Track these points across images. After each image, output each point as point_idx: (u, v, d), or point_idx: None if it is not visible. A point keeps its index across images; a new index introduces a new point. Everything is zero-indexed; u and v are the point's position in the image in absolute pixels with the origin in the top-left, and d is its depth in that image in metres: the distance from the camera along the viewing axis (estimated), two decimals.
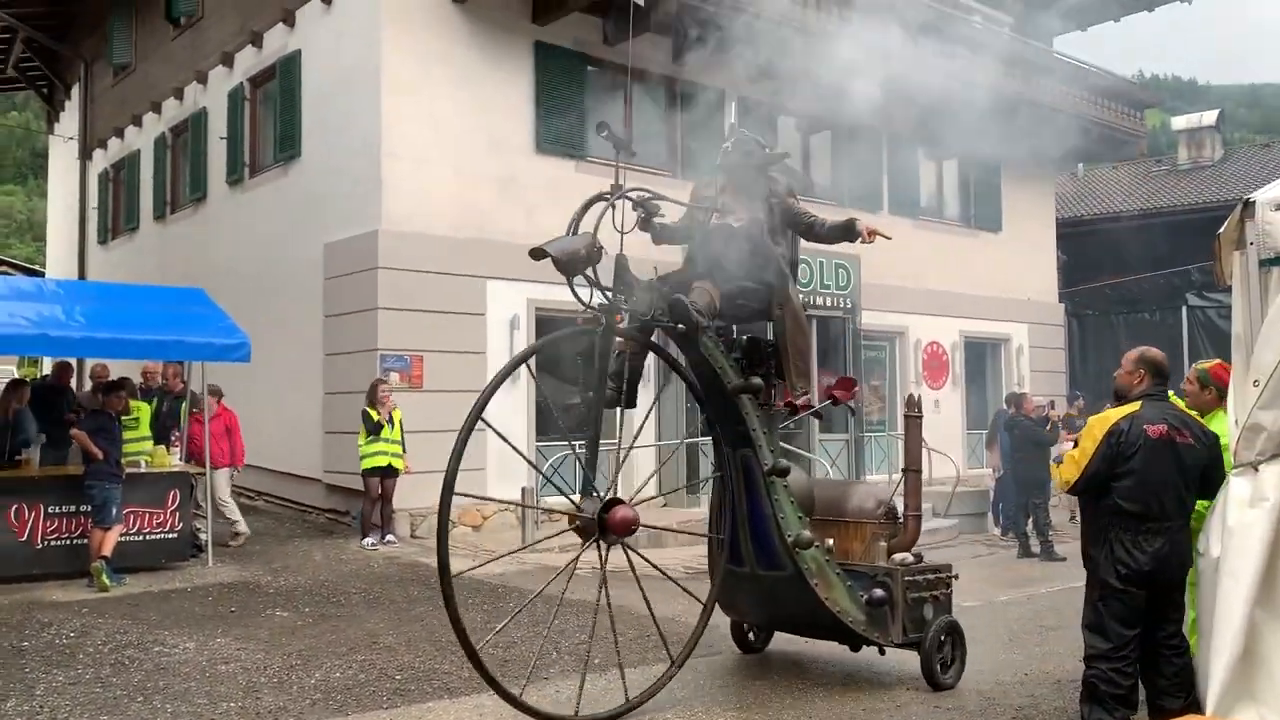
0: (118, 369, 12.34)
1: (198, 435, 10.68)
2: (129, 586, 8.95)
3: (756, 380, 5.55)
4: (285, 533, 12.15)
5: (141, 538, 9.65)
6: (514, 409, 12.82)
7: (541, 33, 13.39)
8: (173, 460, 10.39)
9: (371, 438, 11.19)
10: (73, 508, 9.27)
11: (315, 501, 13.14)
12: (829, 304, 16.10)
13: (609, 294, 5.24)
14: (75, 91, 23.00)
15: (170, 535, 9.86)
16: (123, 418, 9.58)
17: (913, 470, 6.08)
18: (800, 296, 5.97)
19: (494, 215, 12.79)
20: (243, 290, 13.98)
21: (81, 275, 21.75)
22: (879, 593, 5.75)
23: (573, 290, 5.00)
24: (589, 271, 5.12)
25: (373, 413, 11.20)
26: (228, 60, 15.78)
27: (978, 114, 15.62)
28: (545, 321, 13.39)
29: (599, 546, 5.29)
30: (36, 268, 38.58)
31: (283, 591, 8.91)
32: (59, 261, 25.25)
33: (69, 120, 23.78)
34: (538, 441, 13.14)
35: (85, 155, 22.18)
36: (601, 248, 5.01)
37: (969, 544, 13.36)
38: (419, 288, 12.18)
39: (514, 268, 12.78)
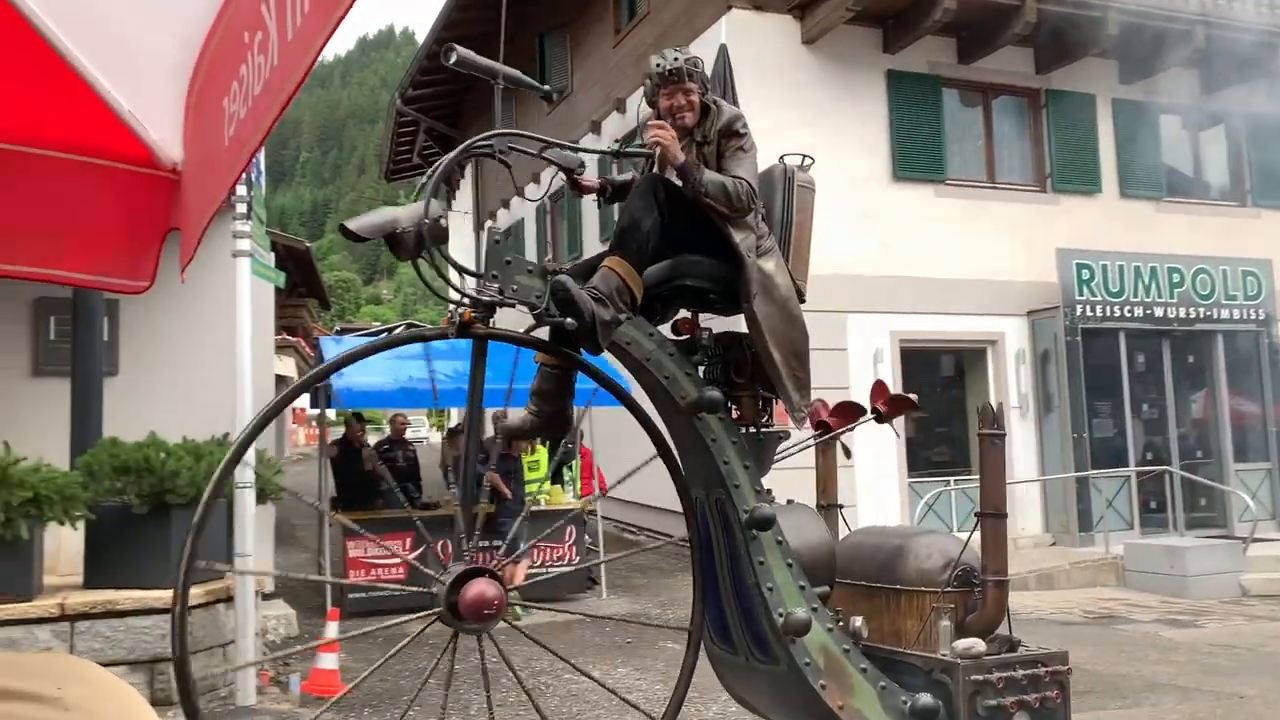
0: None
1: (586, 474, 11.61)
2: (535, 617, 9.74)
3: (712, 393, 3.71)
4: (669, 567, 12.70)
5: (544, 570, 10.49)
6: (882, 443, 12.60)
7: (893, 61, 13.23)
8: (567, 498, 11.23)
9: None
10: (486, 543, 10.24)
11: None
12: (1237, 316, 14.35)
13: (489, 282, 3.51)
14: (468, 170, 25.87)
15: (568, 569, 10.64)
16: (526, 459, 10.54)
17: (992, 515, 4.20)
18: (787, 277, 3.89)
19: (850, 248, 12.72)
20: None
21: None
22: (925, 700, 3.84)
23: (420, 276, 3.42)
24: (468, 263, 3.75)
25: None
26: (595, 128, 17.05)
27: None
28: (911, 354, 13.08)
29: (478, 639, 3.55)
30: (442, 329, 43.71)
31: (672, 624, 9.30)
32: None
33: (463, 196, 26.78)
34: (909, 478, 12.79)
35: (478, 226, 24.84)
36: (441, 219, 3.42)
37: None
38: None
39: (874, 300, 12.67)
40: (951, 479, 12.98)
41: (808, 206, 4.24)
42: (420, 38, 26.34)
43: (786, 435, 4.17)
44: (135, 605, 5.95)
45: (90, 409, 7.24)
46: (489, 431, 11.14)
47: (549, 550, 10.53)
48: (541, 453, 11.35)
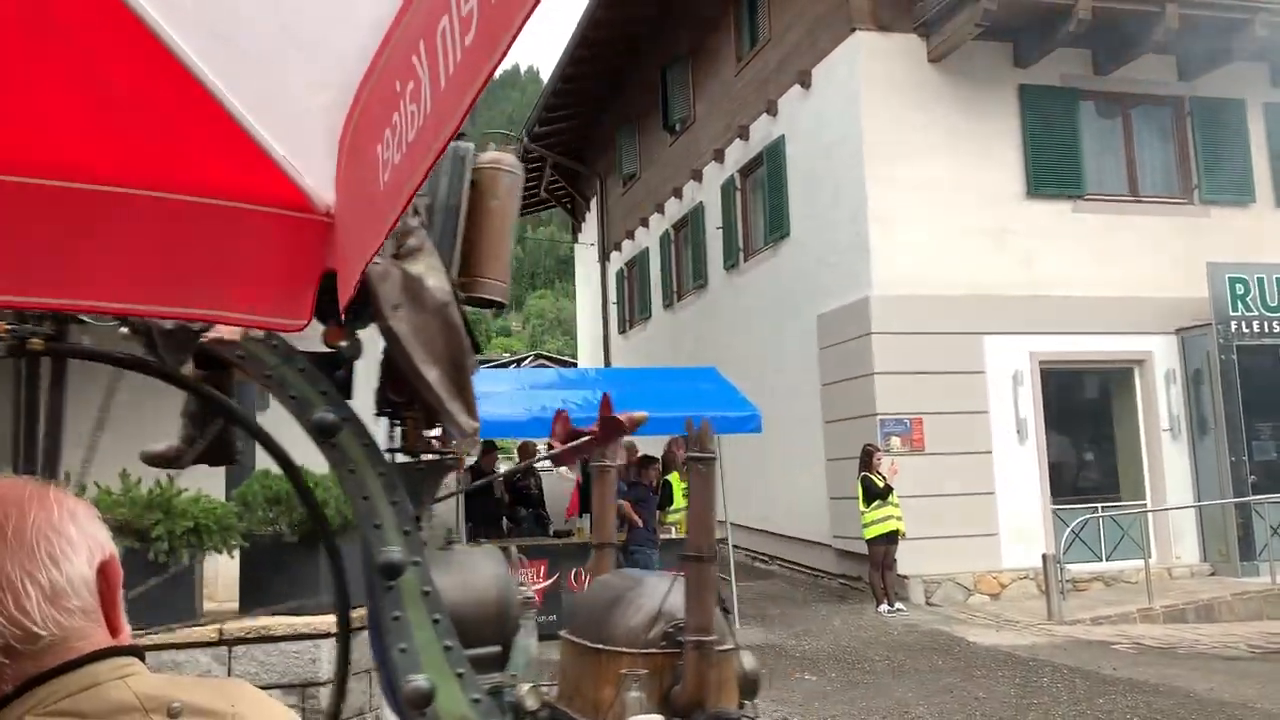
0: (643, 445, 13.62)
1: None
2: None
3: (322, 415, 3.11)
4: (801, 597, 12.51)
5: None
6: (1025, 469, 12.16)
7: (1024, 75, 12.87)
8: None
9: (878, 503, 11.18)
10: None
11: (826, 566, 13.39)
12: None
13: None
14: (593, 203, 26.29)
15: None
16: (679, 487, 10.75)
17: (694, 558, 3.27)
18: (443, 279, 3.22)
19: (987, 268, 12.39)
20: (744, 366, 14.83)
21: (606, 362, 24.53)
22: None
23: None
24: None
25: (876, 478, 11.21)
26: (719, 156, 17.10)
27: None
28: (1051, 375, 12.60)
29: None
30: (567, 358, 44.40)
31: (808, 656, 9.15)
32: (586, 352, 28.77)
33: (589, 228, 27.20)
34: (1054, 505, 12.29)
35: (604, 257, 25.17)
36: None
37: None
38: (914, 349, 12.09)
39: (1013, 321, 12.29)
40: (1099, 505, 12.42)
41: (506, 193, 3.52)
42: (545, 76, 27.09)
43: (456, 463, 3.61)
44: (288, 631, 6.18)
45: (244, 442, 7.58)
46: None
47: None
48: (676, 479, 11.37)
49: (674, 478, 11.32)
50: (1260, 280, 12.67)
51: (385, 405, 3.42)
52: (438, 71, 1.26)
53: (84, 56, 1.86)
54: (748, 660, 3.37)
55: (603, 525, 4.16)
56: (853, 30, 12.68)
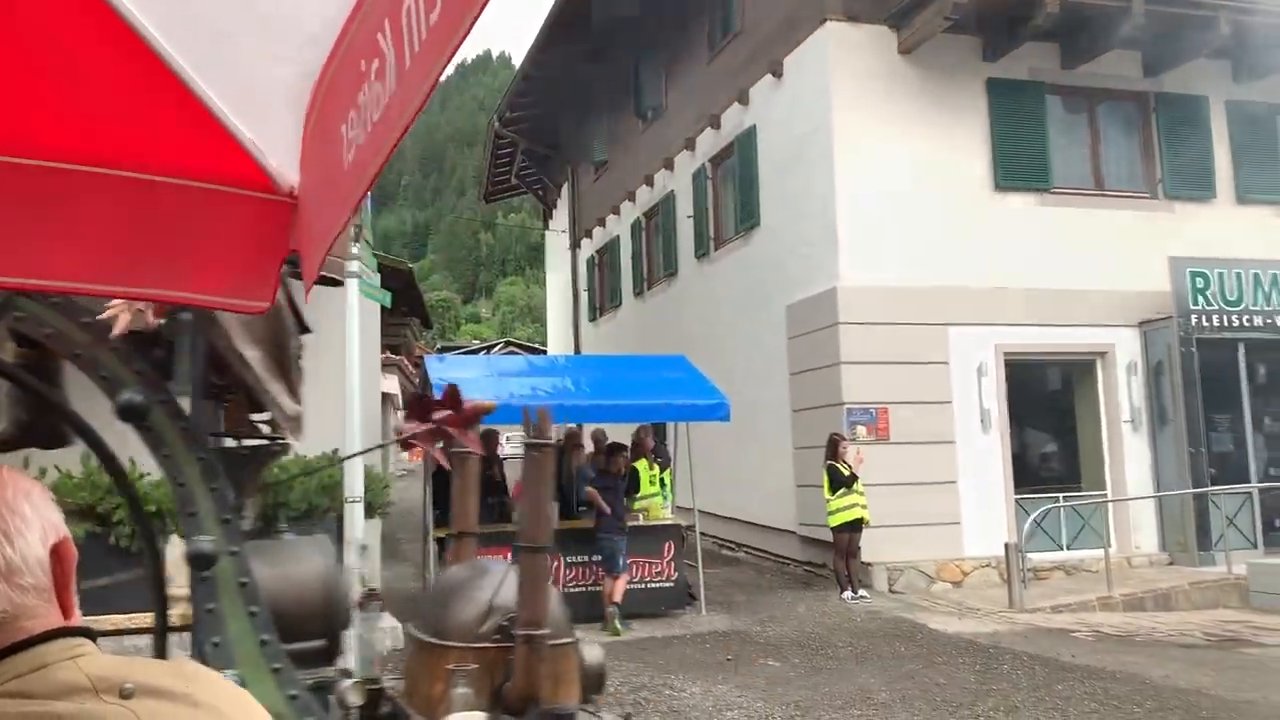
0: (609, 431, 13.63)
1: None
2: (635, 631, 9.77)
3: (127, 397, 2.83)
4: (767, 584, 12.60)
5: (643, 585, 10.51)
6: (988, 459, 12.30)
7: (993, 69, 12.96)
8: (665, 514, 11.24)
9: (843, 491, 11.27)
10: (585, 558, 10.35)
11: (792, 554, 13.48)
12: None
13: None
14: (564, 190, 26.23)
15: (667, 584, 10.64)
16: (647, 474, 10.82)
17: (529, 548, 3.14)
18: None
19: (953, 260, 12.50)
20: (714, 354, 14.87)
21: (576, 349, 24.52)
22: None
23: None
24: None
25: (841, 467, 11.30)
26: (690, 145, 17.10)
27: None
28: (1016, 366, 12.74)
29: None
30: (537, 345, 44.35)
31: (772, 642, 9.23)
32: (556, 339, 28.71)
33: (560, 216, 27.14)
34: (1016, 494, 12.45)
35: (574, 245, 25.12)
36: None
37: None
38: (880, 340, 12.19)
39: (977, 312, 12.42)
40: (1061, 495, 12.60)
41: None
42: (516, 61, 26.95)
43: (284, 449, 3.42)
44: None
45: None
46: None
47: (648, 566, 10.54)
48: (642, 465, 11.39)
49: (641, 464, 11.34)
50: (1221, 275, 12.87)
51: (209, 388, 3.26)
52: (403, 50, 1.26)
53: (47, 35, 1.84)
54: (590, 653, 3.29)
55: (463, 514, 4.03)
56: (824, 21, 12.72)
